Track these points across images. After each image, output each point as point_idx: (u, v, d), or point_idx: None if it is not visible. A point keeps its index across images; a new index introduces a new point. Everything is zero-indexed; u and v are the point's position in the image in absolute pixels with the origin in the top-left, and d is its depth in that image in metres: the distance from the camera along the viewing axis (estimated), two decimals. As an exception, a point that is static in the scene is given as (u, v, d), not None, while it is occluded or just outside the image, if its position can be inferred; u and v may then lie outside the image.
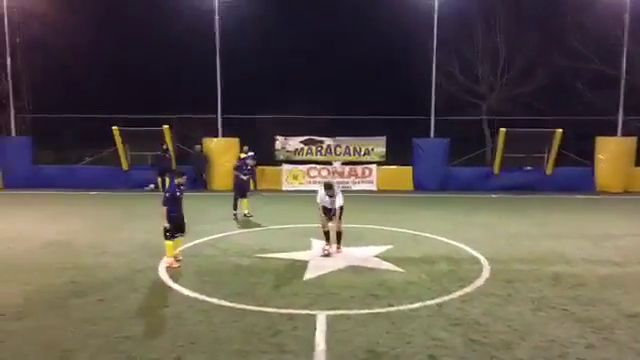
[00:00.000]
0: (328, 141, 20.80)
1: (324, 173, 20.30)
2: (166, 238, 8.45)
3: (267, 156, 20.68)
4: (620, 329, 5.92)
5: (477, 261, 8.96)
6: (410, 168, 20.60)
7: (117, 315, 6.30)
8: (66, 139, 28.05)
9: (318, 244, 9.70)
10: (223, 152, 19.81)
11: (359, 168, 20.55)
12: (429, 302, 6.78)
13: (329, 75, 33.05)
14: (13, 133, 21.77)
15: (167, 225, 8.36)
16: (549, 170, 20.21)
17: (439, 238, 10.88)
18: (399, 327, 5.93)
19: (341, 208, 9.20)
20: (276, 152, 20.92)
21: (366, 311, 6.44)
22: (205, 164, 20.00)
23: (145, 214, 13.74)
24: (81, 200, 17.06)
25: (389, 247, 9.91)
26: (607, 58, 24.52)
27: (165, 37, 31.47)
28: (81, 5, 30.83)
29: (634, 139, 20.10)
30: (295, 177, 20.52)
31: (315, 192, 9.59)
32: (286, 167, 20.63)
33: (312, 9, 34.25)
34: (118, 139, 19.96)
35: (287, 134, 21.02)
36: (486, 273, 8.19)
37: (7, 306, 6.60)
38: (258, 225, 12.42)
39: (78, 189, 19.29)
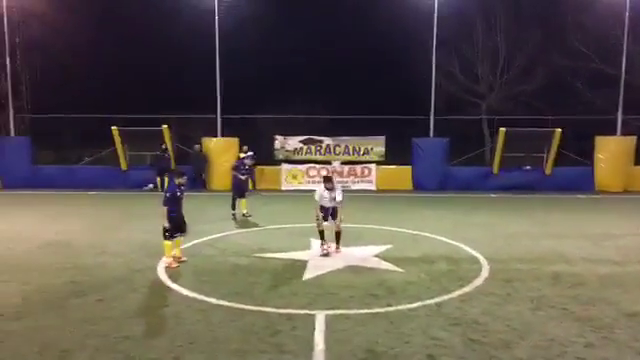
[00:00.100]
0: (327, 140, 20.79)
1: (323, 173, 20.25)
2: (165, 238, 8.44)
3: (266, 156, 20.68)
4: (620, 328, 5.91)
5: (476, 261, 8.95)
6: (409, 168, 20.60)
7: (116, 315, 6.29)
8: (65, 139, 28.05)
9: (317, 244, 9.68)
10: (222, 152, 19.79)
11: (358, 168, 20.54)
12: (428, 302, 6.77)
13: (328, 75, 33.08)
14: (12, 133, 21.76)
15: (167, 225, 8.35)
16: (548, 170, 20.21)
17: (438, 238, 10.87)
18: (398, 327, 5.92)
19: (340, 203, 9.23)
20: (275, 152, 20.91)
21: (365, 311, 6.43)
22: (204, 164, 19.99)
23: (144, 214, 13.74)
24: (80, 200, 17.05)
25: (388, 247, 9.90)
26: (607, 57, 24.54)
27: (164, 37, 31.48)
28: (80, 5, 30.81)
29: (634, 138, 20.10)
30: (294, 177, 20.51)
31: (314, 191, 9.59)
32: (285, 167, 20.62)
33: (312, 9, 34.29)
34: (117, 139, 19.95)
35: (286, 134, 21.02)
36: (485, 273, 8.18)
37: (6, 306, 6.59)
38: (257, 225, 12.41)
39: (77, 189, 19.29)
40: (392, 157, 20.94)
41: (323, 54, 33.28)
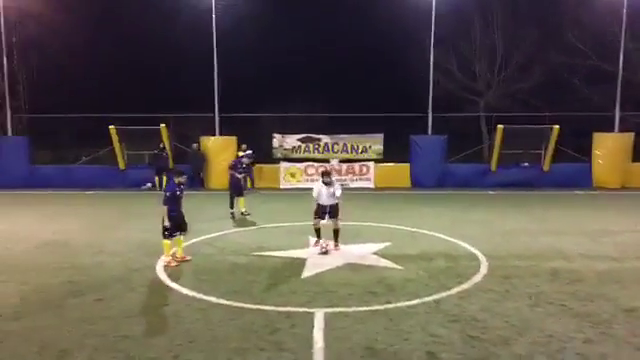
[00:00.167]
0: (325, 139, 20.77)
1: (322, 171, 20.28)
2: (164, 237, 8.44)
3: (265, 154, 20.67)
4: (618, 324, 5.93)
5: (475, 257, 8.96)
6: (407, 165, 20.60)
7: (114, 314, 6.29)
8: (63, 139, 27.96)
9: (314, 242, 9.68)
10: (221, 151, 19.76)
11: (357, 165, 20.53)
12: (427, 299, 6.78)
13: (326, 73, 33.07)
14: (10, 133, 21.70)
15: (168, 224, 8.34)
16: (546, 166, 20.22)
17: (437, 235, 10.88)
18: (397, 324, 5.93)
19: (339, 198, 9.23)
20: (274, 150, 20.89)
21: (364, 308, 6.43)
22: (202, 163, 19.97)
23: (142, 213, 13.71)
24: (78, 200, 17.01)
25: (387, 244, 9.91)
26: (604, 54, 24.57)
27: (162, 36, 31.46)
28: (77, 4, 30.75)
29: (631, 135, 20.12)
30: (293, 175, 20.49)
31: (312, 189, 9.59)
32: (284, 165, 20.60)
33: (309, 7, 34.27)
34: (115, 138, 19.90)
35: (285, 132, 21.00)
36: (484, 269, 8.19)
37: (4, 306, 6.58)
38: (255, 223, 12.40)
39: (75, 189, 19.25)
40: (390, 155, 20.94)
41: (321, 52, 33.30)
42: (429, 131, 21.14)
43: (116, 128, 19.85)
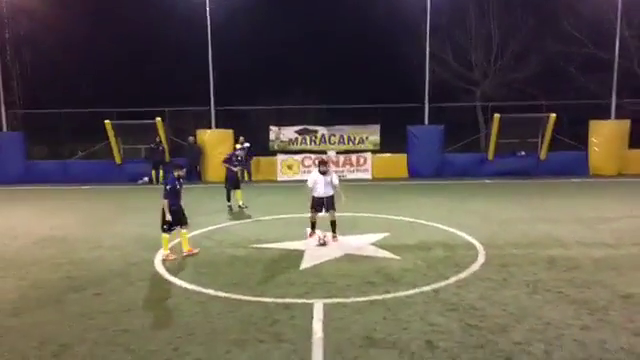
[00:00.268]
0: (322, 130, 20.76)
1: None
2: (163, 231, 8.44)
3: (262, 147, 20.65)
4: (615, 310, 5.97)
5: (472, 247, 8.99)
6: (405, 156, 20.61)
7: (114, 308, 6.29)
8: (58, 134, 27.85)
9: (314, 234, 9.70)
10: (217, 144, 19.73)
11: (354, 157, 20.54)
12: (425, 288, 6.80)
13: (322, 64, 32.94)
14: (5, 129, 21.60)
15: (169, 218, 8.34)
16: (543, 155, 20.27)
17: (435, 225, 10.91)
18: (396, 313, 5.95)
19: (337, 186, 9.26)
20: (270, 142, 20.86)
21: (363, 299, 6.46)
22: (199, 156, 19.94)
23: (139, 207, 13.69)
24: (75, 195, 16.98)
25: (385, 235, 9.93)
26: (600, 42, 24.51)
27: (157, 30, 31.24)
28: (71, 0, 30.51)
29: (627, 122, 20.17)
30: (290, 167, 20.50)
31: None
32: (281, 157, 20.59)
33: (303, -1, 34.06)
34: (110, 133, 19.85)
35: (281, 124, 20.97)
36: (481, 258, 8.22)
37: (3, 302, 6.58)
38: (253, 216, 12.41)
39: (71, 184, 19.22)
40: (387, 145, 20.96)
41: (316, 44, 33.15)
42: (426, 121, 21.13)
43: (112, 122, 19.79)
